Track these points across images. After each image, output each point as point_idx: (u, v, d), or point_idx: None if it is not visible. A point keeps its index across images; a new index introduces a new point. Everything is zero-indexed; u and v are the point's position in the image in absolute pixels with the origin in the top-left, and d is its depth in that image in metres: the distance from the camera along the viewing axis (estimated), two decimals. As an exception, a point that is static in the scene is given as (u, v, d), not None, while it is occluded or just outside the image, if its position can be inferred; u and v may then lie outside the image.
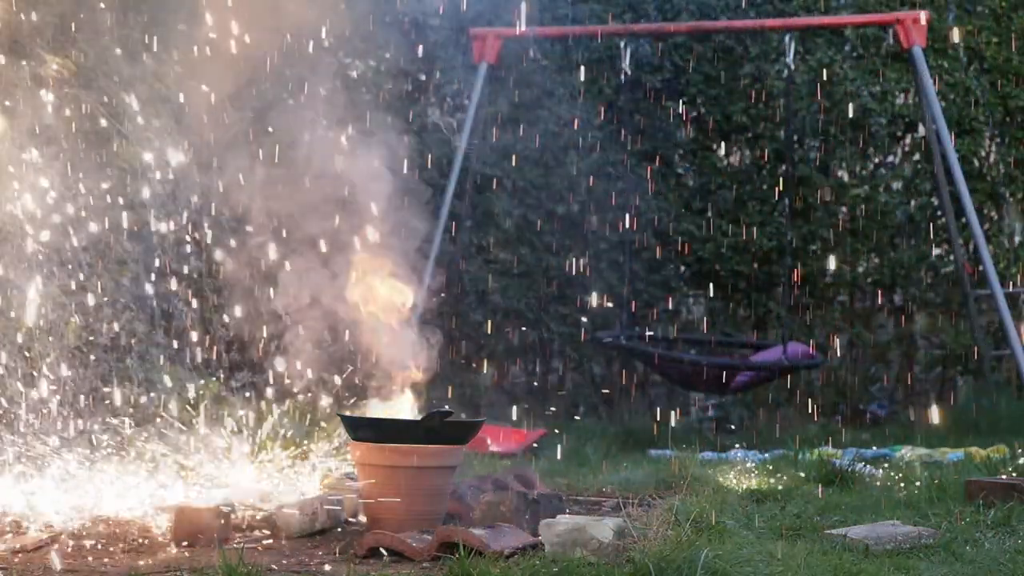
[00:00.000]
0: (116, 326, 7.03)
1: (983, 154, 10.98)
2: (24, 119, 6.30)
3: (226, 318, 8.99)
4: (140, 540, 4.70)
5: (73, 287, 6.76)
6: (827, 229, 10.86)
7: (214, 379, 7.70)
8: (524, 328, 11.04)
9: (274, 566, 4.29)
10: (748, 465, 7.21)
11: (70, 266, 6.75)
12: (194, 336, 8.10)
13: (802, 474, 6.50)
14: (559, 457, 7.80)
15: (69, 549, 4.51)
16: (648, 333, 10.61)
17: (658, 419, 10.71)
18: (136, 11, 6.86)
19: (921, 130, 10.89)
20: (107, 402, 6.80)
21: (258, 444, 6.60)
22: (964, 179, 9.22)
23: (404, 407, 5.43)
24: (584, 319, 10.86)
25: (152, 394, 7.03)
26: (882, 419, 10.52)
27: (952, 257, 10.54)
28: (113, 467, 5.90)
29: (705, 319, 11.26)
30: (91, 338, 6.89)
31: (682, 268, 11.13)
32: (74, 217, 6.72)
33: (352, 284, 5.57)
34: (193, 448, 6.59)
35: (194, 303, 8.04)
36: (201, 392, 7.32)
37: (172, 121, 7.22)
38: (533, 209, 10.89)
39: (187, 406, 7.11)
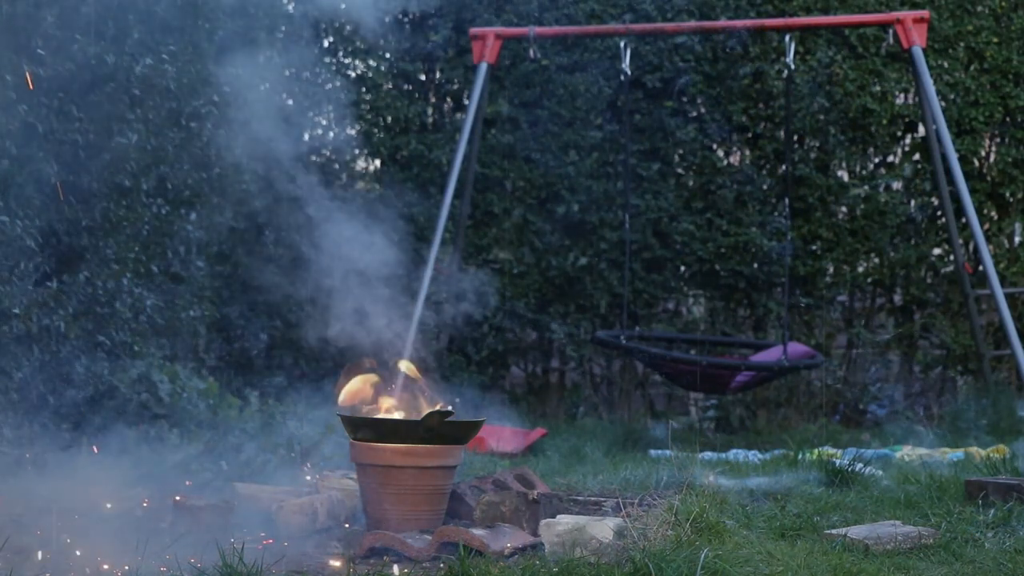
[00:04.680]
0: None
1: (983, 154, 10.98)
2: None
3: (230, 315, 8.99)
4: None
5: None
6: (827, 229, 10.86)
7: (212, 378, 7.70)
8: (524, 328, 11.05)
9: (274, 566, 4.29)
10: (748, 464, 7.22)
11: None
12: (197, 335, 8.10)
13: (802, 474, 6.50)
14: (559, 457, 7.80)
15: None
16: (648, 333, 10.62)
17: (658, 419, 10.72)
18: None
19: (921, 130, 10.89)
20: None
21: (260, 442, 6.60)
22: (964, 179, 9.22)
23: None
24: (584, 319, 10.87)
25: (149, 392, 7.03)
26: (882, 419, 10.52)
27: (952, 257, 10.54)
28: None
29: (705, 319, 11.26)
30: (101, 338, 6.89)
31: (682, 268, 11.13)
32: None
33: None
34: (194, 444, 6.59)
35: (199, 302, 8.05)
36: (203, 390, 7.32)
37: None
38: (533, 209, 10.89)
39: (189, 404, 7.11)
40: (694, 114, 11.12)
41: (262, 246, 9.62)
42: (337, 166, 10.82)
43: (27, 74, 6.19)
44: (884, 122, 10.85)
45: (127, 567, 4.18)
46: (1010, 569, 4.31)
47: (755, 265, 10.87)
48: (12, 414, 6.23)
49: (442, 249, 9.57)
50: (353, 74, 10.91)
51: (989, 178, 10.93)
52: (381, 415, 5.35)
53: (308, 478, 5.89)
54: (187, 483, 5.78)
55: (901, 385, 11.17)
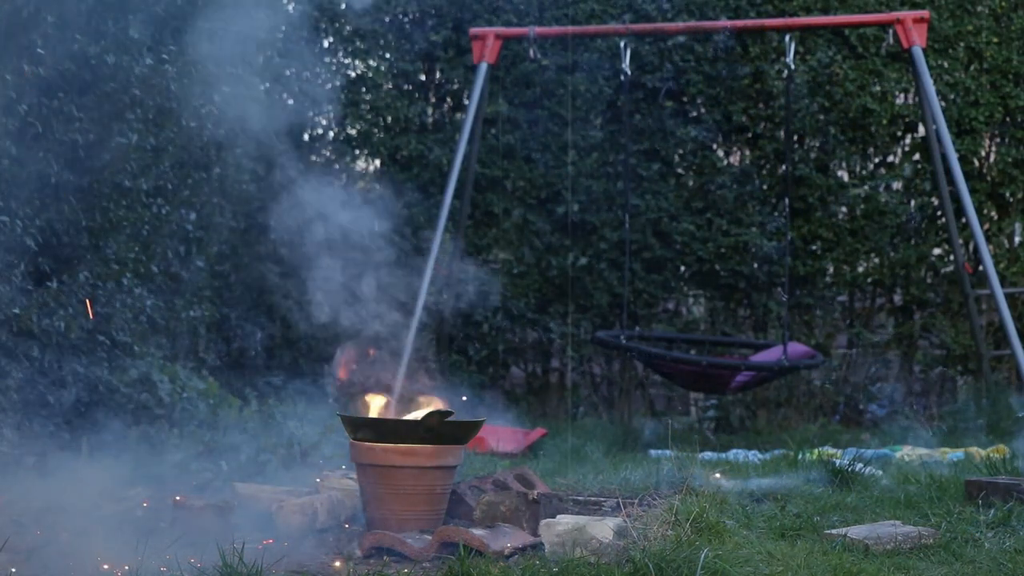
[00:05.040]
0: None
1: (983, 154, 10.98)
2: None
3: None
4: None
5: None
6: (827, 229, 10.86)
7: (212, 378, 7.70)
8: (524, 328, 11.05)
9: (274, 566, 4.29)
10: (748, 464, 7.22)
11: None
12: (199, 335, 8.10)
13: (802, 474, 6.50)
14: (559, 457, 7.80)
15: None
16: (648, 333, 10.63)
17: (658, 419, 10.72)
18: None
19: (921, 130, 10.89)
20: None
21: (260, 442, 6.60)
22: (964, 179, 9.22)
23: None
24: (584, 319, 10.87)
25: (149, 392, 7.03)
26: (882, 419, 10.52)
27: (952, 257, 10.54)
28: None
29: (705, 319, 11.26)
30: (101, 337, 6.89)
31: (682, 268, 11.13)
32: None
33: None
34: (194, 445, 6.59)
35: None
36: (203, 390, 7.32)
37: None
38: (533, 209, 10.89)
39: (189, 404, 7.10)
40: (694, 114, 11.12)
41: (262, 246, 9.62)
42: (337, 166, 10.82)
43: (27, 73, 6.19)
44: (884, 122, 10.85)
45: (127, 567, 4.18)
46: (1010, 569, 4.31)
47: (755, 265, 10.87)
48: (12, 414, 6.23)
49: (442, 249, 9.57)
50: (353, 74, 10.91)
51: (989, 178, 10.93)
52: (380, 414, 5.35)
53: (309, 478, 5.89)
54: (187, 483, 5.78)
55: (901, 385, 11.17)
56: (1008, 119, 10.90)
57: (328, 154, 10.73)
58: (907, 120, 11.00)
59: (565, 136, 10.76)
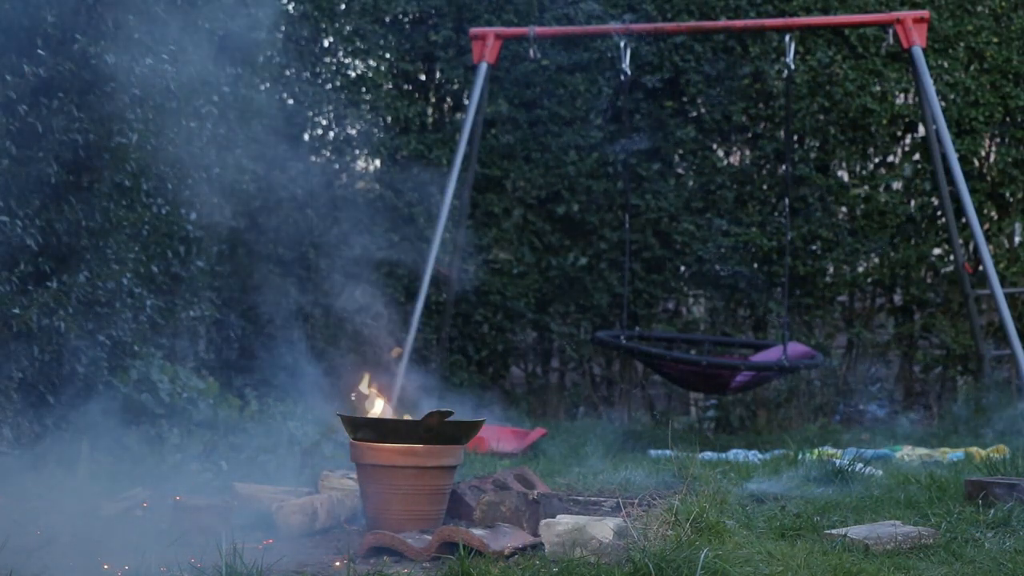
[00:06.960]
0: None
1: (983, 154, 10.98)
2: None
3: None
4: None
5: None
6: (827, 229, 10.86)
7: (212, 378, 7.70)
8: (524, 328, 11.05)
9: (274, 566, 4.29)
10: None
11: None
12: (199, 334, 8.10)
13: (802, 474, 6.50)
14: (559, 457, 7.79)
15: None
16: (648, 333, 10.63)
17: (658, 419, 10.73)
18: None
19: (921, 130, 10.89)
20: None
21: (260, 442, 6.60)
22: (964, 179, 9.22)
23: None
24: (584, 319, 10.87)
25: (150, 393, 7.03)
26: (882, 419, 10.52)
27: (952, 257, 10.54)
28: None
29: (705, 319, 11.26)
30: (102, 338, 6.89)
31: (682, 268, 11.13)
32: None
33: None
34: (194, 444, 6.60)
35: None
36: (203, 390, 7.32)
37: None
38: (533, 209, 10.89)
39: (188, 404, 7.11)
40: (694, 114, 11.12)
41: (263, 246, 9.62)
42: (337, 166, 10.82)
43: (27, 74, 6.19)
44: (884, 122, 10.85)
45: (127, 567, 4.18)
46: (1010, 569, 4.31)
47: (755, 265, 10.87)
48: (12, 414, 6.23)
49: (442, 249, 9.57)
50: (353, 74, 10.91)
51: (989, 178, 10.93)
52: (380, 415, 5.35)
53: (309, 478, 5.89)
54: (187, 483, 5.78)
55: (901, 385, 11.17)
56: (1008, 119, 10.90)
57: (328, 154, 10.70)
58: (907, 120, 11.00)
59: (565, 136, 10.76)
